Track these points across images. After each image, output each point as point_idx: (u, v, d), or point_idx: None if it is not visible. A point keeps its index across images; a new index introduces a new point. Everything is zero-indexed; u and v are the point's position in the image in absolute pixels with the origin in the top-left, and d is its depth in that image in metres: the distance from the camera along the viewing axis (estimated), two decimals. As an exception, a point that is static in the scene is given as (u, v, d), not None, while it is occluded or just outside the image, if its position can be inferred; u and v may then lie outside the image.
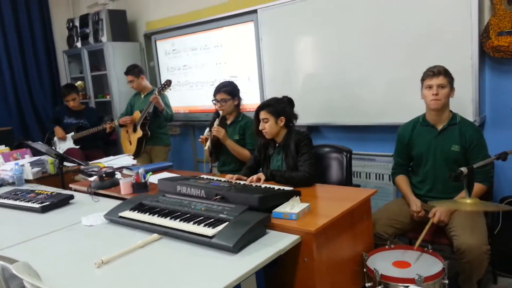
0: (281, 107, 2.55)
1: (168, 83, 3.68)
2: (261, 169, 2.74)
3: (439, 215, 2.26)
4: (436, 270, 1.90)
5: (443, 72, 2.30)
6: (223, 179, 2.38)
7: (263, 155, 2.69)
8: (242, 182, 2.39)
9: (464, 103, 2.69)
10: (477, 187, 2.18)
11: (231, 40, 4.03)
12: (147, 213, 1.96)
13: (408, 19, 2.93)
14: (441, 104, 2.32)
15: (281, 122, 2.53)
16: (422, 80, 2.38)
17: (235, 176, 2.50)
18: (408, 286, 1.77)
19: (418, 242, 2.11)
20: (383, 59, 3.07)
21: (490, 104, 2.85)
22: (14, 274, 1.28)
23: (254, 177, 2.41)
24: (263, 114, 2.54)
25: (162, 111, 3.77)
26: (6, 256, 1.38)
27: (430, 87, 2.32)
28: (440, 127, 2.40)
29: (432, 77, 2.32)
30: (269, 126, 2.52)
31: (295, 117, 2.66)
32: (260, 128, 2.56)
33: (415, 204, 2.38)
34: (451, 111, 2.42)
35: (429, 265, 1.98)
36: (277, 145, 2.61)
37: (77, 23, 5.00)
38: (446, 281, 1.92)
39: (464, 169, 1.56)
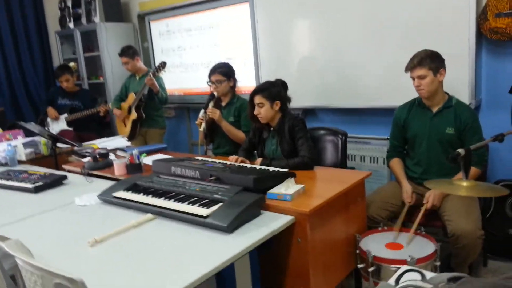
0: (276, 90, 2.52)
1: (163, 64, 3.63)
2: (256, 152, 2.73)
3: (432, 200, 2.27)
4: (428, 252, 1.92)
5: (418, 62, 2.27)
6: (217, 161, 2.37)
7: (257, 138, 2.67)
8: (237, 163, 2.38)
9: (460, 86, 2.67)
10: (471, 170, 2.18)
11: (226, 21, 3.97)
12: (141, 194, 1.95)
13: (404, 1, 2.89)
14: (426, 93, 2.32)
15: (276, 106, 2.50)
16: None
17: (240, 158, 2.49)
18: (400, 267, 1.79)
19: (412, 230, 2.12)
20: (379, 41, 3.04)
21: (486, 87, 2.84)
22: (7, 253, 1.27)
23: (240, 159, 2.48)
24: (258, 99, 2.50)
25: (157, 93, 3.73)
26: (-2, 234, 1.37)
27: (412, 78, 2.32)
28: (435, 109, 2.39)
29: (410, 70, 2.31)
30: (264, 110, 2.49)
31: (289, 100, 2.64)
32: (255, 113, 2.53)
33: (406, 192, 2.39)
34: (447, 93, 2.40)
35: (421, 247, 1.99)
36: (271, 129, 2.59)
37: (69, 4, 4.89)
38: (438, 263, 1.94)
39: (461, 151, 1.55)
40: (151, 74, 3.65)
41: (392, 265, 1.86)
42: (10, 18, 4.93)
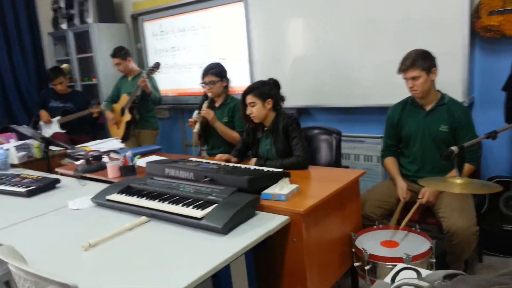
0: (267, 89, 2.52)
1: (157, 65, 3.61)
2: (250, 152, 2.73)
3: (427, 196, 2.28)
4: (423, 249, 1.92)
5: (411, 64, 2.26)
6: (212, 162, 2.36)
7: (251, 138, 2.67)
8: (231, 164, 2.37)
9: (453, 84, 2.68)
10: (465, 167, 2.20)
11: (219, 21, 3.96)
12: (135, 196, 1.94)
13: (398, 0, 2.89)
14: (420, 93, 2.32)
15: (268, 104, 2.50)
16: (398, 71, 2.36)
17: (225, 156, 2.49)
18: (395, 265, 1.79)
19: (403, 223, 2.14)
20: (373, 40, 3.05)
21: (479, 84, 2.85)
22: (0, 259, 1.26)
23: (224, 156, 2.56)
24: (249, 98, 2.50)
25: (150, 94, 3.71)
26: (-10, 240, 1.36)
27: (406, 79, 2.32)
28: (428, 107, 2.40)
29: (403, 72, 2.31)
30: (256, 109, 2.49)
31: (282, 99, 2.63)
32: (247, 112, 2.53)
33: (401, 189, 2.40)
34: (439, 91, 2.41)
35: (416, 244, 2.00)
36: (265, 129, 2.59)
37: (62, 4, 4.87)
38: (434, 260, 1.94)
39: (455, 149, 1.56)
40: (145, 75, 3.62)
41: (388, 263, 1.86)
42: (2, 19, 4.88)
